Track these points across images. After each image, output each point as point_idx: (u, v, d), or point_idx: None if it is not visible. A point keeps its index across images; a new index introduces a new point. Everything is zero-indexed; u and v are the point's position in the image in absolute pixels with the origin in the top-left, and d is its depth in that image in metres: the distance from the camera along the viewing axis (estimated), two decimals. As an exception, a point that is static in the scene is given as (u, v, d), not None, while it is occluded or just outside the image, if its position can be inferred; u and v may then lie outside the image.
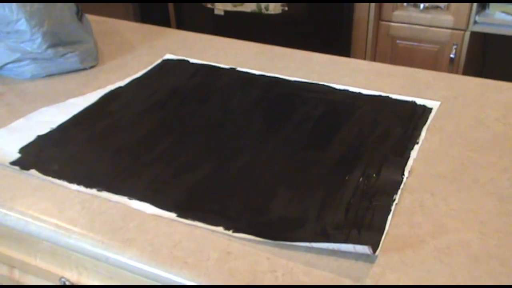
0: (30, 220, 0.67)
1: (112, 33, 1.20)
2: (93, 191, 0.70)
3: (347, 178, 0.71)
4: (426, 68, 1.02)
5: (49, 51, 0.98)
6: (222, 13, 1.94)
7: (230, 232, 0.63)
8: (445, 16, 1.67)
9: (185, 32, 1.22)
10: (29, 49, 0.97)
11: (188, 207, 0.67)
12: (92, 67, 1.04)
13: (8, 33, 0.96)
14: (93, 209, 0.67)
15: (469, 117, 0.84)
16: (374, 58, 1.85)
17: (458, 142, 0.78)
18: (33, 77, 1.00)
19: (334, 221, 0.64)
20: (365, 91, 0.91)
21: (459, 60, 1.72)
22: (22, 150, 0.79)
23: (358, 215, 0.64)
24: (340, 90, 0.92)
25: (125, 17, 2.25)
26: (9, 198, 0.70)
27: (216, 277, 0.57)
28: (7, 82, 0.99)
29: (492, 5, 1.64)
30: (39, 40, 0.96)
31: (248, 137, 0.80)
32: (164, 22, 2.12)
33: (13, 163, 0.76)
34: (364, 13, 1.77)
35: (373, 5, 1.73)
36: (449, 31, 1.69)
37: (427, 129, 0.81)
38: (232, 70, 1.01)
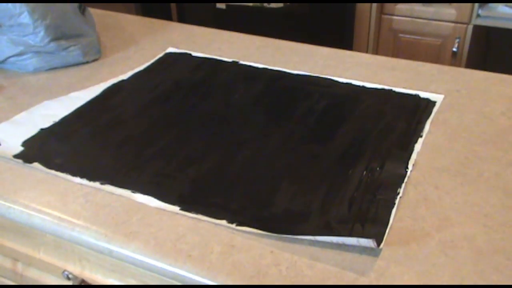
0: (33, 213, 0.67)
1: (115, 26, 1.20)
2: (97, 184, 0.70)
3: (350, 172, 0.71)
4: (428, 62, 1.01)
5: (52, 44, 0.98)
6: (224, 7, 1.94)
7: (233, 226, 0.63)
8: (448, 10, 1.67)
9: (187, 25, 1.21)
10: (31, 42, 0.97)
11: (192, 200, 0.67)
12: (94, 60, 1.04)
13: (11, 26, 0.96)
14: (96, 202, 0.67)
15: (473, 110, 0.83)
16: (376, 52, 1.85)
17: (462, 135, 0.78)
18: (36, 71, 1.00)
19: (338, 214, 0.64)
20: (368, 85, 0.91)
21: (461, 54, 1.71)
22: (25, 144, 0.78)
23: (362, 209, 0.64)
24: (343, 83, 0.92)
25: (127, 12, 2.24)
26: (12, 191, 0.70)
27: (220, 270, 0.57)
28: (10, 75, 0.99)
29: (495, -2, 1.64)
30: (42, 33, 0.96)
31: (251, 131, 0.80)
32: (165, 17, 2.11)
33: (16, 156, 0.76)
34: (366, 6, 1.76)
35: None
36: (452, 24, 1.68)
37: (431, 123, 0.80)
38: (235, 63, 1.01)
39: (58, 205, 0.67)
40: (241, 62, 1.01)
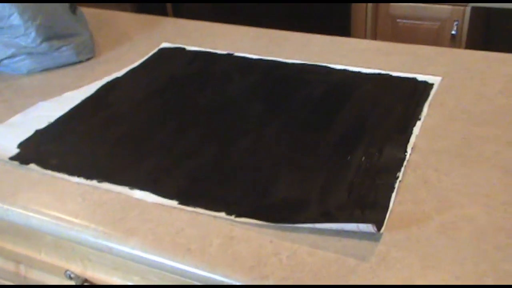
0: (31, 214, 0.67)
1: (108, 24, 1.19)
2: (94, 182, 0.70)
3: (349, 158, 0.70)
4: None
5: (44, 45, 0.97)
6: None
7: (232, 217, 0.62)
8: (445, -8, 1.65)
9: (181, 20, 1.21)
10: (23, 43, 0.96)
11: (190, 194, 0.66)
12: (88, 59, 1.03)
13: (1, 28, 0.95)
14: (94, 201, 0.67)
15: (471, 91, 0.82)
16: (374, 39, 1.83)
17: (460, 116, 0.77)
18: (29, 72, 0.99)
19: (337, 201, 0.63)
20: (365, 70, 0.90)
21: (461, 37, 1.70)
22: (21, 145, 0.78)
23: (361, 195, 0.63)
24: (339, 70, 0.91)
25: (121, 7, 2.23)
26: (10, 193, 0.70)
27: (220, 262, 0.57)
28: (4, 78, 0.99)
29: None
30: (33, 34, 0.95)
31: (248, 122, 0.80)
32: (160, 9, 2.10)
33: (13, 158, 0.75)
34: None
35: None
36: (450, 7, 1.66)
37: (429, 105, 0.80)
38: (230, 55, 1.00)
39: (56, 205, 0.67)
40: (236, 53, 1.00)
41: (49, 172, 0.72)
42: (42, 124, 0.83)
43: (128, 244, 0.61)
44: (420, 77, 0.87)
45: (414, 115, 0.77)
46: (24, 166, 0.74)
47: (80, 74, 0.98)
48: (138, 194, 0.67)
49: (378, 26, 1.81)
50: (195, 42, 1.07)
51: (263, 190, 0.66)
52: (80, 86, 0.93)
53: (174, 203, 0.65)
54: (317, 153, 0.72)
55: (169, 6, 2.10)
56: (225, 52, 1.01)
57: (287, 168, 0.69)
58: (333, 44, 1.02)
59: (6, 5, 0.92)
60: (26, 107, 0.88)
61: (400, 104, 0.80)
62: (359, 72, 0.90)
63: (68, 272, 0.72)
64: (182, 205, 0.65)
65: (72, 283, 0.72)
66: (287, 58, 0.97)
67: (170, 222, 0.63)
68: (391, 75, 0.88)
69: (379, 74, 0.89)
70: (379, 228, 0.58)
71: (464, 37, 1.70)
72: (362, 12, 1.78)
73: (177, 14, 2.10)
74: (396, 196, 0.63)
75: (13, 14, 0.93)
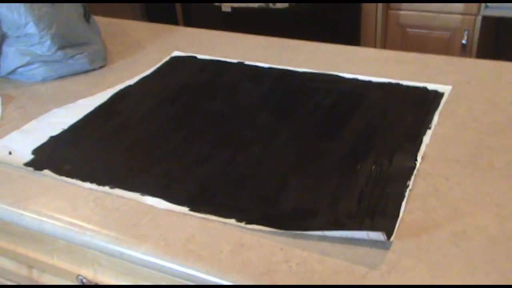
0: (44, 219, 0.68)
1: (120, 33, 1.21)
2: (106, 188, 0.70)
3: (359, 166, 0.70)
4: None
5: (59, 53, 0.99)
6: (229, 9, 1.94)
7: (242, 224, 0.62)
8: (455, 2, 1.65)
9: (192, 29, 1.22)
10: (38, 52, 0.98)
11: (200, 200, 0.67)
12: (101, 67, 1.05)
13: (17, 37, 0.97)
14: (106, 206, 0.68)
15: (482, 100, 0.82)
16: (384, 48, 1.84)
17: (471, 126, 0.77)
18: (44, 80, 1.01)
19: (347, 209, 0.63)
20: (375, 79, 0.91)
21: (471, 46, 1.70)
22: (35, 152, 0.79)
23: (371, 203, 0.64)
24: (349, 79, 0.92)
25: (133, 17, 2.26)
26: (23, 199, 0.71)
27: (230, 268, 0.57)
28: (19, 85, 1.00)
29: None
30: (48, 42, 0.97)
31: (258, 129, 0.80)
32: (171, 21, 2.13)
33: (27, 164, 0.77)
34: (372, 3, 1.75)
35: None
36: (460, 16, 1.67)
37: (439, 114, 0.80)
38: (240, 64, 1.01)
39: (69, 210, 0.68)
40: (247, 62, 1.01)
41: (62, 178, 0.73)
42: (56, 131, 0.84)
43: (140, 249, 0.61)
44: (431, 86, 0.87)
45: (424, 124, 0.78)
46: (38, 172, 0.75)
47: (93, 81, 1.00)
48: (149, 200, 0.68)
49: (388, 35, 1.81)
50: (206, 51, 1.08)
51: (273, 197, 0.66)
52: (93, 94, 0.94)
53: (185, 209, 0.66)
54: (327, 161, 0.72)
55: (179, 15, 2.12)
56: (236, 61, 1.02)
57: (297, 176, 0.70)
58: (343, 53, 1.02)
59: (22, 15, 0.94)
60: (40, 114, 0.89)
61: (410, 113, 0.80)
62: (369, 81, 0.90)
63: (80, 277, 0.72)
64: (192, 212, 0.65)
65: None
66: (297, 67, 0.97)
67: (181, 229, 0.63)
68: (401, 84, 0.89)
69: (389, 83, 0.89)
70: (389, 237, 0.58)
71: (474, 47, 1.70)
72: (372, 21, 1.78)
73: (188, 23, 2.12)
74: (406, 205, 0.63)
75: (29, 23, 0.95)
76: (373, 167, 0.70)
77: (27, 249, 0.76)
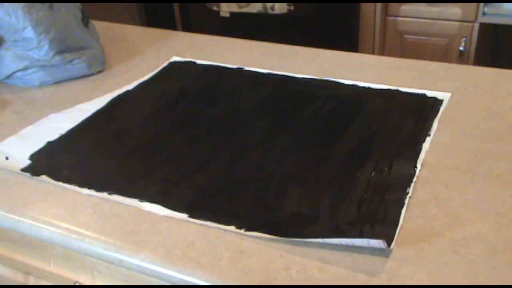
0: (42, 225, 0.67)
1: (119, 38, 1.21)
2: (104, 194, 0.70)
3: (358, 173, 0.70)
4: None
5: (57, 57, 0.98)
6: (227, 15, 1.94)
7: (242, 231, 0.62)
8: (453, 9, 1.66)
9: (191, 34, 1.22)
10: (36, 56, 0.97)
11: (200, 207, 0.67)
12: (99, 72, 1.04)
13: (15, 41, 0.96)
14: (104, 213, 0.67)
15: (481, 107, 0.83)
16: (382, 54, 1.84)
17: (471, 133, 0.77)
18: (42, 84, 1.00)
19: (347, 216, 0.63)
20: (374, 86, 0.91)
21: (469, 53, 1.70)
22: (33, 157, 0.79)
23: (371, 210, 0.63)
24: (348, 85, 0.92)
25: (131, 22, 2.26)
26: (21, 205, 0.70)
27: (230, 276, 0.57)
28: (16, 90, 1.00)
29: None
30: (46, 47, 0.97)
31: (258, 136, 0.80)
32: (170, 26, 2.12)
33: (24, 169, 0.76)
34: (370, 9, 1.76)
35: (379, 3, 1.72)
36: (458, 23, 1.67)
37: (439, 121, 0.80)
38: (240, 70, 1.01)
39: (67, 216, 0.67)
40: (246, 68, 1.01)
41: (60, 183, 0.73)
42: (53, 136, 0.83)
43: (139, 256, 0.61)
44: (430, 93, 0.87)
45: (423, 131, 0.78)
46: (36, 178, 0.74)
47: (91, 86, 0.99)
48: (148, 206, 0.68)
49: (386, 41, 1.82)
50: (205, 56, 1.07)
51: (272, 204, 0.66)
52: (92, 99, 0.94)
53: (184, 216, 0.65)
54: (326, 168, 0.72)
55: (178, 20, 2.12)
56: (235, 66, 1.02)
57: (296, 182, 0.69)
58: (342, 59, 1.02)
59: (21, 19, 0.94)
60: (38, 118, 0.89)
61: (410, 120, 0.80)
62: (368, 88, 0.90)
63: (77, 284, 0.72)
64: (192, 218, 0.65)
65: (81, 295, 0.72)
66: (296, 73, 0.97)
67: (180, 235, 0.63)
68: (400, 91, 0.89)
69: (388, 89, 0.89)
70: (389, 244, 0.58)
71: (472, 53, 1.70)
72: (370, 27, 1.79)
73: (186, 28, 2.12)
74: (406, 212, 0.63)
75: (27, 28, 0.94)
76: (373, 173, 0.70)
77: (23, 256, 0.76)
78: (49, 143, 0.82)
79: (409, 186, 0.67)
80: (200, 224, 0.64)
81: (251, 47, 1.11)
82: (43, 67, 0.99)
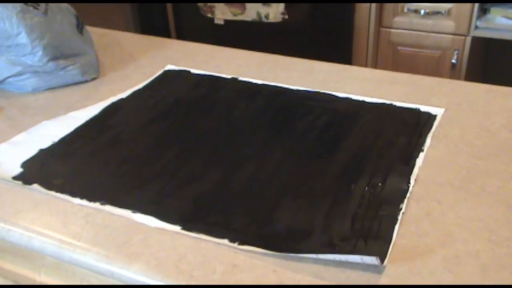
0: (33, 235, 0.66)
1: (113, 45, 1.20)
2: (97, 204, 0.69)
3: (352, 187, 0.70)
4: (428, 74, 1.01)
5: (50, 64, 0.98)
6: (222, 22, 1.94)
7: (235, 245, 0.62)
8: (446, 22, 1.67)
9: (186, 42, 1.21)
10: (30, 62, 0.97)
11: (193, 219, 0.66)
12: (93, 79, 1.04)
13: (8, 46, 0.96)
14: (97, 223, 0.67)
15: (474, 124, 0.83)
16: (375, 65, 1.85)
17: (464, 149, 0.77)
18: (35, 91, 0.99)
19: (341, 232, 0.63)
20: (368, 99, 0.91)
21: (461, 66, 1.72)
22: (25, 165, 0.78)
23: (364, 226, 0.64)
24: (343, 98, 0.92)
25: (126, 28, 2.25)
26: (12, 213, 0.69)
27: (223, 291, 0.56)
28: (8, 96, 0.99)
29: (493, 9, 1.64)
30: (40, 53, 0.96)
31: (252, 148, 0.80)
32: (164, 33, 2.12)
33: (16, 177, 0.75)
34: (364, 20, 1.77)
35: (373, 11, 1.73)
36: (451, 36, 1.69)
37: (432, 137, 0.80)
38: (234, 80, 1.01)
39: (59, 226, 0.67)
40: (241, 78, 1.01)
41: (52, 192, 0.72)
42: (46, 144, 0.83)
43: (131, 269, 0.61)
44: (423, 108, 0.87)
45: (417, 146, 0.78)
46: (27, 186, 0.74)
47: (85, 93, 0.99)
48: (140, 218, 0.67)
49: (379, 52, 1.83)
50: (200, 65, 1.07)
51: (266, 218, 0.66)
52: (85, 106, 0.93)
53: (177, 228, 0.65)
54: (320, 182, 0.72)
55: (172, 26, 2.12)
56: (229, 77, 1.02)
57: (290, 196, 0.69)
58: (337, 71, 1.03)
59: (14, 24, 0.93)
60: (30, 125, 0.88)
61: (403, 135, 0.81)
62: (362, 101, 0.91)
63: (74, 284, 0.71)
64: (185, 231, 0.65)
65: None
66: (291, 84, 0.97)
67: (173, 248, 0.62)
68: (394, 105, 0.89)
69: (382, 103, 0.90)
70: (382, 261, 0.58)
71: (464, 66, 1.72)
72: (364, 38, 1.80)
73: (180, 34, 2.12)
74: (399, 228, 0.63)
75: (20, 33, 0.94)
76: (366, 188, 0.70)
77: (13, 265, 0.75)
78: (41, 150, 0.81)
79: (402, 202, 0.67)
80: (193, 237, 0.64)
81: (246, 57, 1.11)
82: (36, 73, 0.98)
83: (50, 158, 0.80)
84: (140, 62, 1.11)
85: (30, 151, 0.81)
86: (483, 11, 1.67)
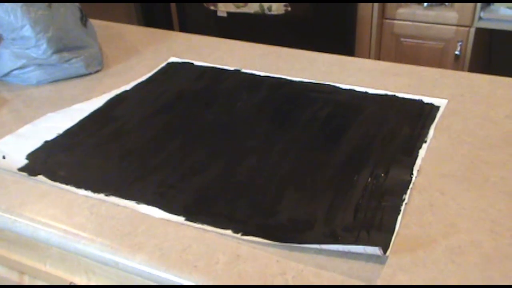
0: (38, 226, 0.67)
1: (117, 37, 1.20)
2: (101, 196, 0.70)
3: (355, 178, 0.70)
4: (431, 66, 1.01)
5: (54, 56, 0.98)
6: (225, 14, 1.94)
7: (239, 235, 0.62)
8: (450, 13, 1.67)
9: (189, 35, 1.22)
10: (34, 55, 0.97)
11: (197, 210, 0.67)
12: (97, 71, 1.04)
13: (13, 39, 0.96)
14: (101, 214, 0.67)
15: (477, 114, 0.83)
16: (378, 57, 1.85)
17: (467, 140, 0.77)
18: (39, 83, 1.00)
19: (343, 222, 0.63)
20: (371, 91, 0.91)
21: (464, 57, 1.71)
22: (30, 156, 0.79)
23: (367, 216, 0.64)
24: (346, 90, 0.92)
25: (129, 21, 2.25)
26: (17, 205, 0.70)
27: (226, 280, 0.57)
28: (13, 88, 0.99)
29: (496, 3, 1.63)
30: (44, 46, 0.96)
31: (255, 139, 0.80)
32: (167, 25, 2.12)
33: (21, 169, 0.76)
34: (367, 11, 1.76)
35: (376, 2, 1.73)
36: (454, 27, 1.68)
37: (435, 128, 0.80)
38: (237, 72, 1.01)
39: (63, 217, 0.67)
40: (244, 70, 1.01)
41: (57, 184, 0.73)
42: (51, 135, 0.83)
43: (135, 259, 0.61)
44: (426, 99, 0.87)
45: (420, 138, 0.78)
46: (32, 178, 0.74)
47: (88, 86, 0.99)
48: (144, 209, 0.68)
49: (383, 44, 1.82)
50: (203, 57, 1.08)
51: (269, 208, 0.66)
52: (89, 98, 0.94)
53: (181, 219, 0.66)
54: (323, 173, 0.72)
55: (175, 19, 2.12)
56: (232, 68, 1.02)
57: (293, 187, 0.70)
58: (340, 63, 1.03)
59: (19, 17, 0.93)
60: (35, 117, 0.89)
61: (406, 126, 0.81)
62: (365, 93, 0.91)
63: (72, 285, 0.72)
64: (189, 222, 0.65)
65: (76, 296, 0.72)
66: (294, 76, 0.98)
67: (177, 239, 0.63)
68: (397, 97, 0.89)
69: (385, 95, 0.90)
70: (385, 251, 0.58)
71: (467, 57, 1.71)
72: (367, 29, 1.80)
73: (183, 27, 2.12)
74: (402, 219, 0.64)
75: (25, 26, 0.94)
76: (369, 179, 0.70)
77: (19, 255, 0.76)
78: (47, 142, 0.82)
79: (405, 192, 0.67)
80: (197, 228, 0.64)
81: (249, 49, 1.11)
82: (40, 65, 0.98)
83: (55, 149, 0.80)
84: (143, 54, 1.11)
85: (35, 143, 0.81)
86: (487, 2, 1.66)
